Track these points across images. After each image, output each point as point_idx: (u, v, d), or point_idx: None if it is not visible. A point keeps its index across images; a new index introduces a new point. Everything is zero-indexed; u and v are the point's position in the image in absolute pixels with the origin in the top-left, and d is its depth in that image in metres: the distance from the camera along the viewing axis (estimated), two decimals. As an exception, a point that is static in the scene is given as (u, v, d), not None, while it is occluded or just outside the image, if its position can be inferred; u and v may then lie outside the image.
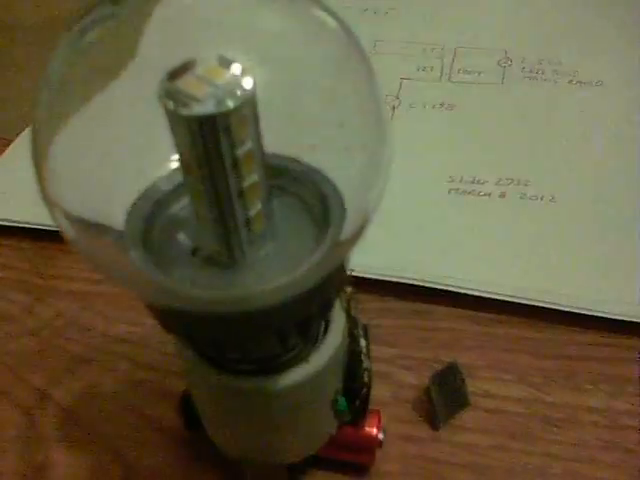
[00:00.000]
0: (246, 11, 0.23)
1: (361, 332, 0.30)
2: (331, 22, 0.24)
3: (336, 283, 0.24)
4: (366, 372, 0.30)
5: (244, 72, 0.20)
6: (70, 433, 0.36)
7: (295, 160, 0.25)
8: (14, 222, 0.44)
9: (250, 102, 0.20)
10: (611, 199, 0.42)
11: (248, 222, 0.23)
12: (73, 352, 0.39)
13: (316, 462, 0.33)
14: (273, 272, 0.23)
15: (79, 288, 0.42)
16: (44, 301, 0.42)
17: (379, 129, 0.24)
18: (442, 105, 0.50)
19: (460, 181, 0.44)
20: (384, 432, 0.34)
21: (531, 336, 0.38)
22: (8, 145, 0.49)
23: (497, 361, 0.37)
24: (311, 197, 0.25)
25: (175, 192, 0.25)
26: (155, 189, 0.25)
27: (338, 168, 0.24)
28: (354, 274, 0.39)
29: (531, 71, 0.52)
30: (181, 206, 0.25)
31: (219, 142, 0.20)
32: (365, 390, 0.30)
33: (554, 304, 0.38)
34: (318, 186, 0.24)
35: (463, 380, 0.35)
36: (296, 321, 0.24)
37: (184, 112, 0.19)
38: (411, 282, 0.39)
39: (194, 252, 0.24)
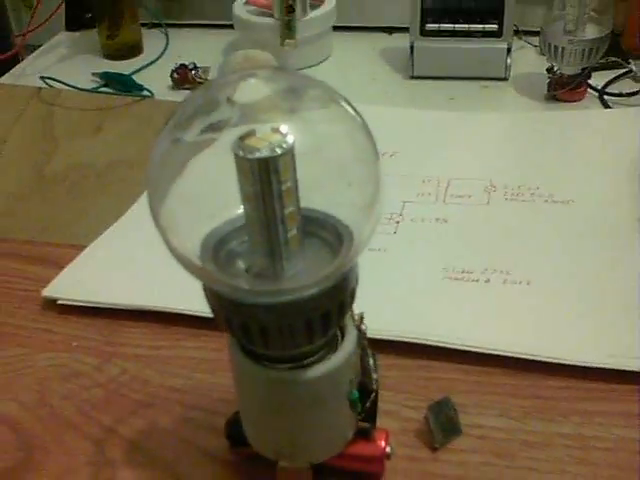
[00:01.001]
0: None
1: (370, 354, 0.39)
2: (358, 119, 0.35)
3: (346, 287, 0.34)
4: (374, 381, 0.38)
5: (287, 134, 0.31)
6: (134, 458, 0.44)
7: (317, 210, 0.35)
8: (86, 302, 0.54)
9: (291, 152, 0.31)
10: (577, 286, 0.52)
11: (287, 242, 0.33)
12: (135, 399, 0.48)
13: (334, 472, 0.41)
14: (303, 280, 0.33)
15: (141, 352, 0.51)
16: (112, 362, 0.51)
17: (376, 188, 0.35)
18: (437, 220, 0.61)
19: (452, 271, 0.54)
20: (392, 448, 0.41)
21: (511, 382, 0.46)
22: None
23: (484, 401, 0.45)
24: (329, 234, 0.35)
25: (234, 231, 0.35)
26: (220, 228, 0.35)
27: (348, 211, 0.35)
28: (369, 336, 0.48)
29: (512, 194, 0.63)
30: (237, 242, 0.35)
31: (270, 179, 0.31)
32: (374, 395, 0.38)
33: (530, 355, 0.46)
34: (334, 226, 0.35)
35: (456, 411, 0.43)
36: (320, 313, 0.33)
37: (249, 156, 0.30)
38: (415, 341, 0.48)
39: (247, 270, 0.34)
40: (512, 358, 0.47)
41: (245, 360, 0.36)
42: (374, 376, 0.39)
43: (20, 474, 0.44)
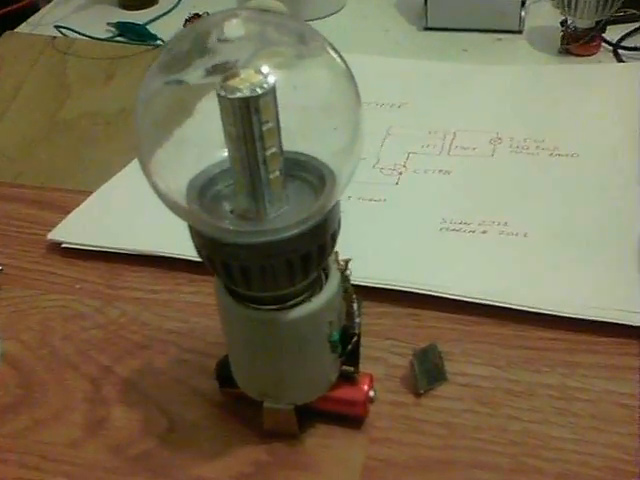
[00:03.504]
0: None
1: (354, 298, 0.40)
2: (342, 65, 0.35)
3: (327, 229, 0.34)
4: (357, 325, 0.39)
5: (269, 75, 0.31)
6: (128, 397, 0.46)
7: (301, 153, 0.36)
8: (89, 246, 0.55)
9: (272, 92, 0.31)
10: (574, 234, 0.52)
11: (269, 184, 0.33)
12: (133, 340, 0.49)
13: (316, 415, 0.42)
14: (284, 221, 0.34)
15: (141, 295, 0.52)
16: (112, 304, 0.52)
17: (355, 132, 0.35)
18: (440, 171, 0.61)
19: (450, 222, 0.54)
20: (375, 392, 0.42)
21: (499, 332, 0.47)
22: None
23: (471, 349, 0.46)
24: (312, 176, 0.36)
25: (221, 173, 0.36)
26: (207, 170, 0.36)
27: (331, 153, 0.35)
28: (362, 283, 0.49)
29: (518, 147, 0.63)
30: (225, 184, 0.36)
31: (251, 119, 0.31)
32: (355, 338, 0.39)
33: (519, 305, 0.47)
34: (317, 168, 0.36)
35: (441, 358, 0.44)
36: (300, 254, 0.34)
37: (229, 96, 0.31)
38: (406, 289, 0.49)
39: (232, 211, 0.35)
40: (502, 308, 0.47)
41: (230, 301, 0.37)
42: (357, 320, 0.39)
43: (20, 409, 0.46)
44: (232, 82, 0.31)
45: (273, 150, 0.33)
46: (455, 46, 0.79)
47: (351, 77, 0.35)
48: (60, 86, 0.77)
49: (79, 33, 0.83)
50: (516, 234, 0.53)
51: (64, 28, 0.84)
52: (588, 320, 0.46)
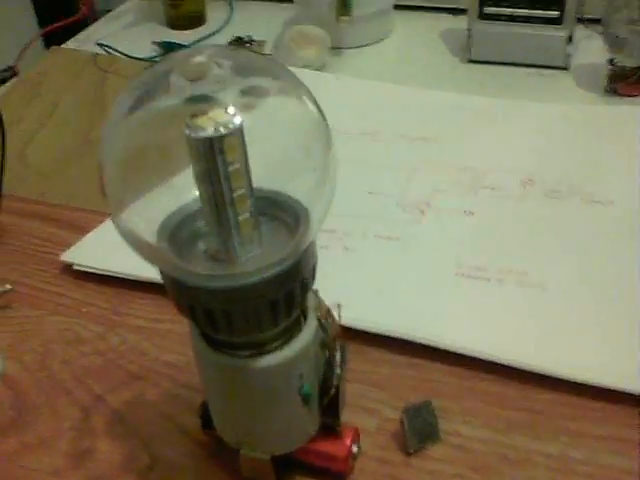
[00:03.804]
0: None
1: (337, 347, 0.38)
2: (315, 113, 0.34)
3: (295, 276, 0.33)
4: (335, 376, 0.37)
5: (235, 115, 0.30)
6: (114, 429, 0.45)
7: (277, 192, 0.35)
8: (99, 270, 0.55)
9: (238, 133, 0.30)
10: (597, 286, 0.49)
11: (238, 225, 0.32)
12: (129, 370, 0.49)
13: (298, 467, 0.40)
14: (255, 266, 0.32)
15: (143, 324, 0.52)
16: (114, 331, 0.51)
17: (331, 175, 0.34)
18: (464, 212, 0.58)
19: (465, 267, 0.52)
20: (359, 447, 0.41)
21: (502, 391, 0.44)
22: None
23: (469, 408, 0.44)
24: (287, 215, 0.34)
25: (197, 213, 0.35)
26: (183, 209, 0.35)
27: (306, 194, 0.34)
28: (361, 327, 0.47)
29: (550, 191, 0.60)
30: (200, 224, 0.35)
31: (215, 159, 0.30)
32: (333, 390, 0.37)
33: (526, 365, 0.44)
34: (293, 207, 0.34)
35: (435, 416, 0.42)
36: (266, 301, 0.32)
37: (193, 135, 0.30)
38: (407, 338, 0.47)
39: (205, 252, 0.34)
40: (508, 366, 0.45)
41: (201, 343, 0.36)
42: (337, 371, 0.38)
43: (9, 432, 0.45)
44: (199, 120, 0.30)
45: (241, 191, 0.31)
46: (497, 80, 0.76)
47: (322, 119, 0.34)
48: (96, 104, 0.77)
49: (119, 52, 0.84)
50: (534, 286, 0.50)
51: (107, 46, 0.85)
52: (599, 387, 0.43)
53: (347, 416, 0.42)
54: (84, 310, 0.54)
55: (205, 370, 0.37)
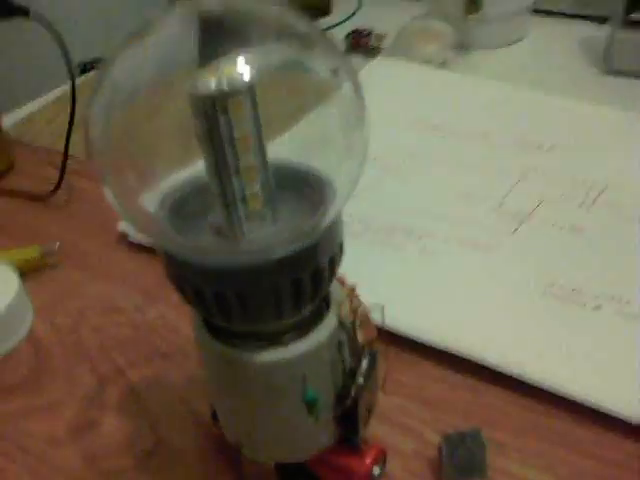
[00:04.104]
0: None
1: (366, 353, 0.32)
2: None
3: (307, 261, 0.27)
4: (355, 387, 0.31)
5: (248, 72, 0.25)
6: (126, 406, 0.41)
7: (302, 166, 0.29)
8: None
9: (246, 92, 0.25)
10: None
11: (245, 199, 0.27)
12: (158, 347, 0.44)
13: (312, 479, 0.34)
14: (262, 245, 0.27)
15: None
16: (154, 305, 0.47)
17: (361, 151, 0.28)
18: (572, 227, 0.50)
19: (559, 287, 0.44)
20: (382, 469, 0.34)
21: (576, 433, 0.36)
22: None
23: (531, 446, 0.36)
24: (311, 192, 0.28)
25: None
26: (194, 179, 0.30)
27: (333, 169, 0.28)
28: (419, 338, 0.40)
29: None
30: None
31: (217, 120, 0.25)
32: (349, 402, 0.31)
33: (615, 410, 0.36)
34: (317, 183, 0.28)
35: (484, 449, 0.34)
36: (273, 285, 0.26)
37: (192, 91, 0.25)
38: (475, 359, 0.39)
39: (209, 226, 0.28)
40: (592, 409, 0.36)
41: (201, 327, 0.31)
42: (359, 381, 0.31)
43: (19, 392, 0.42)
44: (205, 75, 0.25)
45: (250, 161, 0.26)
46: (637, 93, 0.66)
47: (358, 95, 0.28)
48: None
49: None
50: (636, 317, 0.41)
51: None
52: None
53: (382, 432, 0.36)
54: (129, 280, 0.50)
55: (204, 358, 0.32)
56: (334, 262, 0.28)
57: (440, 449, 0.34)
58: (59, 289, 0.50)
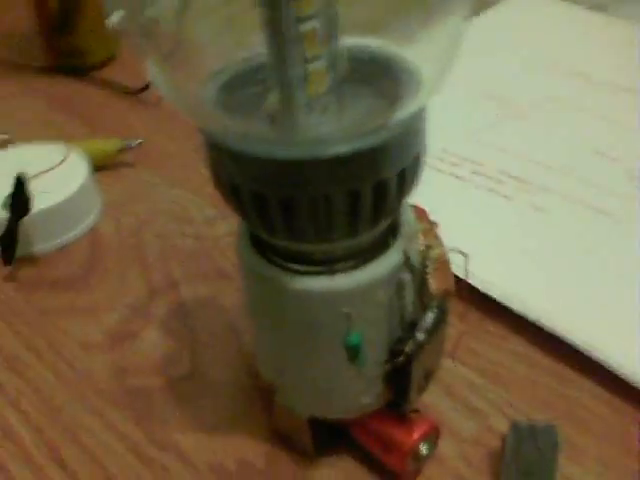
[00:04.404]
0: None
1: (435, 307, 0.26)
2: None
3: (380, 163, 0.21)
4: (412, 342, 0.25)
5: None
6: (170, 323, 0.37)
7: (383, 49, 0.24)
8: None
9: None
10: None
11: (306, 74, 0.21)
12: (220, 266, 0.40)
13: (346, 444, 0.29)
14: (322, 133, 0.22)
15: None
16: (227, 220, 0.43)
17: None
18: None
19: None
20: (431, 448, 0.29)
21: (675, 452, 0.29)
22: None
23: (613, 455, 0.29)
24: (391, 84, 0.23)
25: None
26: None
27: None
28: (515, 309, 0.34)
29: None
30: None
31: None
32: (401, 359, 0.25)
33: None
34: (399, 68, 0.23)
35: (556, 450, 0.28)
36: (324, 190, 0.21)
37: None
38: (569, 340, 0.33)
39: (263, 113, 0.23)
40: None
41: (243, 236, 0.26)
42: (418, 336, 0.26)
43: (65, 287, 0.40)
44: None
45: (313, 25, 0.21)
46: None
47: None
48: None
49: None
50: None
51: None
52: None
53: (441, 405, 0.31)
54: (204, 191, 0.46)
55: (242, 273, 0.27)
56: (405, 178, 0.23)
57: (504, 440, 0.29)
58: (131, 188, 0.47)
